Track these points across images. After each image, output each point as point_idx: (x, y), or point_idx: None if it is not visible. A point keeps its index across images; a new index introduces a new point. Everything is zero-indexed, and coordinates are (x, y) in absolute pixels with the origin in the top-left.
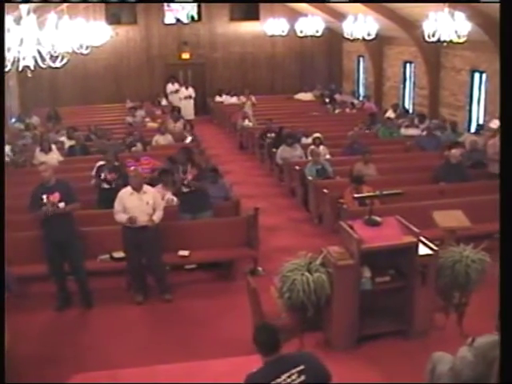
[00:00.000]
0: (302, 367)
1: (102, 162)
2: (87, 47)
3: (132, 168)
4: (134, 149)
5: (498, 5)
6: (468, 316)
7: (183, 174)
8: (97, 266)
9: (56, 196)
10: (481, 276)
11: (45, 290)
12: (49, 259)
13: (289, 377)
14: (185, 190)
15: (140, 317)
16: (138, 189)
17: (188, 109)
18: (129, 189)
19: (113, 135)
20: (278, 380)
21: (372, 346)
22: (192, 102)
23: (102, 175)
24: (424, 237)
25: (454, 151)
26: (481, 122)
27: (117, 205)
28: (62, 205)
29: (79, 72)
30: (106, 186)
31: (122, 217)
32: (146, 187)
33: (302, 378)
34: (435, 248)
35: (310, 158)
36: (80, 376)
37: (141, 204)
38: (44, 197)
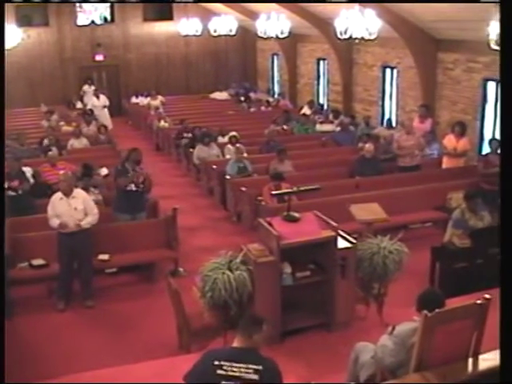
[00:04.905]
0: (260, 367)
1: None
2: None
3: (61, 172)
4: (49, 153)
5: (405, 4)
6: (387, 305)
7: (136, 174)
8: (15, 274)
9: None
10: (398, 266)
11: None
12: None
13: (246, 368)
14: (133, 188)
15: (64, 324)
16: (67, 193)
17: (103, 119)
18: (59, 193)
19: (26, 140)
20: (235, 365)
21: (295, 340)
22: (106, 111)
23: (6, 184)
24: (342, 230)
25: (367, 146)
26: (393, 116)
27: (49, 210)
28: None
29: None
30: (11, 193)
31: (54, 222)
32: (76, 192)
33: (255, 377)
34: (353, 241)
35: (227, 156)
36: None
37: (69, 209)
38: None
